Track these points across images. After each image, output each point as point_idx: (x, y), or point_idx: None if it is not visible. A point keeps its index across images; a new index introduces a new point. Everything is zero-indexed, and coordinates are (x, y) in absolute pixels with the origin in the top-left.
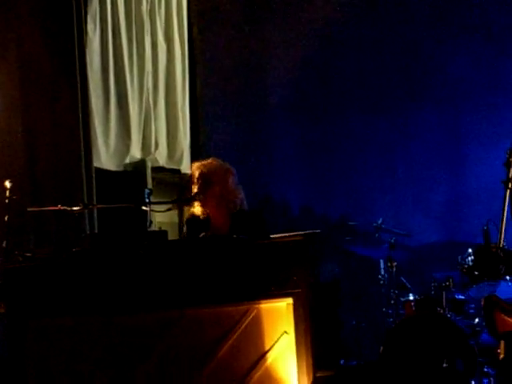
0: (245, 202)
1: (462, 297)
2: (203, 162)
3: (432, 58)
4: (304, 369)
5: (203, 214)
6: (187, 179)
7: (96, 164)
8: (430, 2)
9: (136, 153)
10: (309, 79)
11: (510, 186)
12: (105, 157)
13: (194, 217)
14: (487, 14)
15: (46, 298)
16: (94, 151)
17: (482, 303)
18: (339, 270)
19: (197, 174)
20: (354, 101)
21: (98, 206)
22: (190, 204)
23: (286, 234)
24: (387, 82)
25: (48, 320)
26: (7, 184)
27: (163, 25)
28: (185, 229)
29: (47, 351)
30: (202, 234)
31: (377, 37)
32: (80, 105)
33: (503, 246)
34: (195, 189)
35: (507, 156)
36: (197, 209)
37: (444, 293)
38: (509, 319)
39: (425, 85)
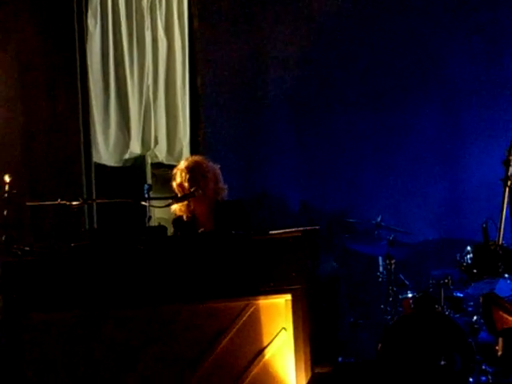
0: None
1: (461, 294)
2: (195, 159)
3: (433, 55)
4: (302, 365)
5: (188, 212)
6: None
7: (95, 159)
8: None
9: (135, 148)
10: (309, 75)
11: (508, 184)
12: (104, 152)
13: (179, 217)
14: (488, 12)
15: (43, 293)
16: (93, 146)
17: (481, 301)
18: (338, 266)
19: (189, 170)
20: (354, 97)
21: (98, 200)
22: (188, 199)
23: (285, 230)
24: (388, 79)
25: (46, 314)
26: (6, 178)
27: (163, 20)
28: (172, 230)
29: (44, 345)
30: (201, 230)
31: (377, 33)
32: (80, 100)
33: (502, 243)
34: (186, 184)
35: (506, 154)
36: (179, 208)
37: (442, 290)
38: (507, 317)
39: (425, 81)
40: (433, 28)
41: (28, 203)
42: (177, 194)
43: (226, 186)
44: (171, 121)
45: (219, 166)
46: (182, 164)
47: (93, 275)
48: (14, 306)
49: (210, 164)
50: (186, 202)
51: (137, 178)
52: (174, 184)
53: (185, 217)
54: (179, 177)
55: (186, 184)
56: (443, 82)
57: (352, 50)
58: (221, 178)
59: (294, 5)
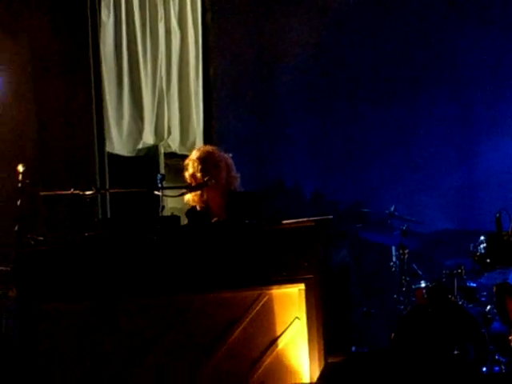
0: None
1: (474, 284)
2: (207, 149)
3: (446, 47)
4: (315, 354)
5: (201, 202)
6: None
7: (109, 149)
8: None
9: (149, 138)
10: (322, 66)
11: None
12: (118, 142)
13: (192, 208)
14: (500, 3)
15: (57, 283)
16: (106, 136)
17: (494, 291)
18: (351, 256)
19: (201, 161)
20: (367, 88)
21: (111, 190)
22: (202, 189)
23: (298, 220)
24: (400, 70)
25: (59, 304)
26: (20, 168)
27: (177, 11)
28: (185, 221)
29: (57, 335)
30: (214, 219)
31: (389, 26)
32: (93, 90)
33: None
34: (198, 174)
35: None
36: (192, 198)
37: (456, 280)
38: None
39: (438, 73)
40: (444, 20)
41: (41, 193)
42: (190, 185)
43: (238, 175)
44: (184, 111)
45: (231, 155)
46: (194, 154)
47: (106, 265)
48: (28, 296)
49: (222, 153)
50: (198, 192)
51: (150, 167)
52: (187, 174)
53: (198, 207)
54: (191, 167)
55: (199, 174)
56: (457, 73)
57: (363, 44)
58: (233, 167)
59: None
